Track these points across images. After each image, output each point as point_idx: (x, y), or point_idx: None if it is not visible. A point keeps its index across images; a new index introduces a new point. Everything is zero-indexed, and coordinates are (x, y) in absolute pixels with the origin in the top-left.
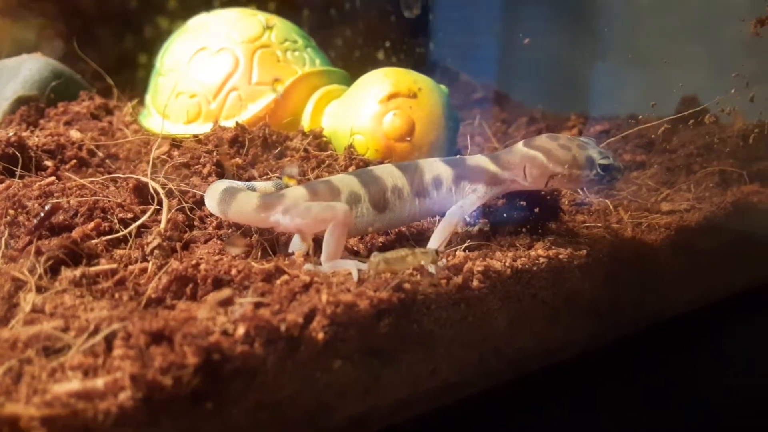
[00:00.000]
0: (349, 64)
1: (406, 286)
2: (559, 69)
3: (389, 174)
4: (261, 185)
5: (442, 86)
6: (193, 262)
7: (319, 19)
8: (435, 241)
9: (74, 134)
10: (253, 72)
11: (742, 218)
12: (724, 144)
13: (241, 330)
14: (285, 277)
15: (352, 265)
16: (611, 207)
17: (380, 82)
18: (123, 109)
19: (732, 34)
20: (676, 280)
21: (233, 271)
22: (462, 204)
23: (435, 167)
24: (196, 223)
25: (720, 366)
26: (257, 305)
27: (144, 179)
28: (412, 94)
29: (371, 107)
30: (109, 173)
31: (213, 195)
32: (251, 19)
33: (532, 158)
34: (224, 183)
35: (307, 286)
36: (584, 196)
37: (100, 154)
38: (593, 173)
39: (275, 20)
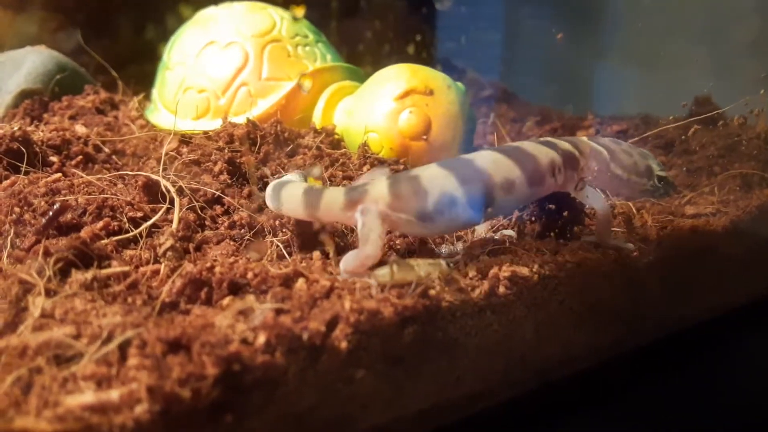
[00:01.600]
0: (357, 61)
1: (431, 292)
2: (566, 68)
3: (494, 163)
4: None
5: (459, 84)
6: (208, 264)
7: (326, 16)
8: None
9: (79, 129)
10: (264, 67)
11: None
12: (747, 146)
13: (261, 338)
14: (304, 281)
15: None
16: (634, 210)
17: (396, 79)
18: (129, 104)
19: (740, 34)
20: (703, 285)
21: (249, 275)
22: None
23: (544, 152)
24: (207, 223)
25: (745, 373)
26: (278, 312)
27: (154, 177)
28: (429, 91)
29: (386, 104)
30: (116, 170)
31: (293, 198)
32: (261, 12)
33: (597, 153)
34: (298, 184)
35: (328, 292)
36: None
37: (106, 150)
38: (650, 183)
39: (300, 12)
